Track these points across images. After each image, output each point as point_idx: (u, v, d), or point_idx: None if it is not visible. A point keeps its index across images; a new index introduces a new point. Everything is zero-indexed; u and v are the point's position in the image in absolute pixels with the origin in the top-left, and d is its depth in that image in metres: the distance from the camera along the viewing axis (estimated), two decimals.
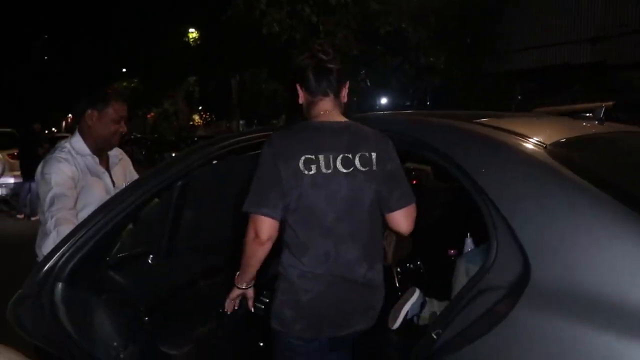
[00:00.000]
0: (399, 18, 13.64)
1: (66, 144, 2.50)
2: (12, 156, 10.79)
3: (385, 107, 17.83)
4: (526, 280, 1.59)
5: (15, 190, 10.65)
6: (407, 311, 2.56)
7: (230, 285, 2.12)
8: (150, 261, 2.23)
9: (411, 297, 2.58)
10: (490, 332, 1.59)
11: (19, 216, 10.01)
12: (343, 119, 1.98)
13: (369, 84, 16.58)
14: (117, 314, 2.07)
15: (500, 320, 1.59)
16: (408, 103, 18.58)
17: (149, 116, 36.65)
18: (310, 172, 1.82)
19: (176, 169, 2.08)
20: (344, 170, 1.84)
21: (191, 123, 34.97)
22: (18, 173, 10.30)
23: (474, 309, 1.71)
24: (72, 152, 2.47)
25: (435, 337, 1.78)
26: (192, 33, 25.89)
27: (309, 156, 1.83)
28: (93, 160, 2.53)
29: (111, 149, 2.62)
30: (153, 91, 29.89)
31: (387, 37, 14.04)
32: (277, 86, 19.15)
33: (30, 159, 9.13)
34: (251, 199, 1.83)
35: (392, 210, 1.92)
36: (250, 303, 2.07)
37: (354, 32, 13.44)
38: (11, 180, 10.71)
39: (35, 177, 2.44)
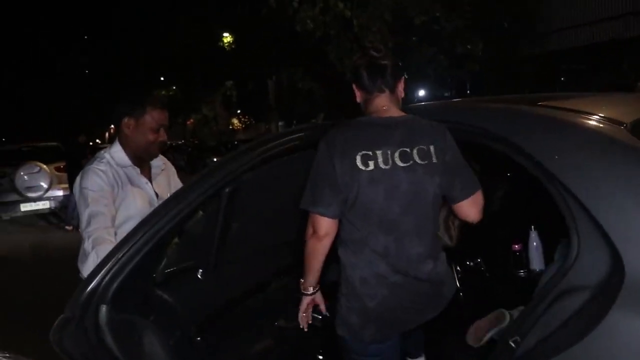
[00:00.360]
0: (433, 7, 13.36)
1: (105, 154, 2.38)
2: (58, 169, 10.95)
3: (423, 99, 17.53)
4: (619, 277, 1.41)
5: (63, 202, 10.79)
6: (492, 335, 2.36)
7: (286, 295, 2.12)
8: (199, 276, 2.10)
9: (500, 324, 2.35)
10: (584, 339, 1.42)
11: (67, 228, 10.13)
12: (400, 113, 1.96)
13: (406, 76, 16.28)
14: (167, 335, 1.94)
15: (593, 325, 1.42)
16: (447, 94, 18.21)
17: (188, 122, 37.09)
18: (368, 168, 1.80)
19: (222, 174, 1.93)
20: (403, 165, 1.82)
21: (230, 127, 35.19)
22: (66, 186, 10.46)
23: (556, 314, 1.56)
24: (112, 162, 2.35)
25: (513, 345, 1.63)
26: (227, 37, 26.02)
27: (366, 152, 1.81)
28: (134, 171, 2.40)
29: (152, 159, 2.48)
30: (191, 97, 30.20)
31: (422, 28, 13.77)
32: (313, 84, 19.05)
33: (77, 170, 9.21)
34: (307, 197, 1.85)
35: (458, 201, 1.92)
36: (322, 307, 2.07)
37: (388, 24, 13.22)
38: (60, 193, 10.86)
39: (74, 189, 2.32)
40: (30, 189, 10.63)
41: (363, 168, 1.80)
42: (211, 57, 24.25)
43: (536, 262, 3.12)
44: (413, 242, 1.84)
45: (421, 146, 1.86)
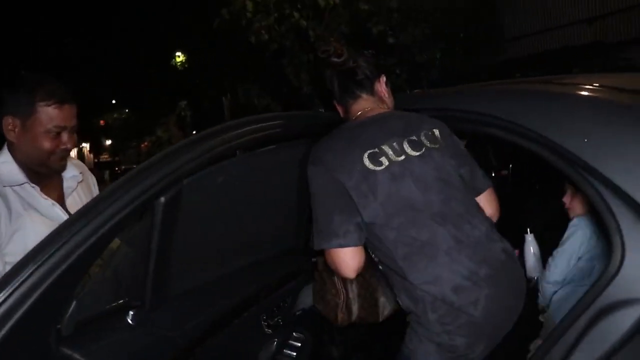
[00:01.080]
0: (389, 17, 13.21)
1: None
2: None
3: None
4: None
5: None
6: None
7: (255, 330, 1.94)
8: (130, 320, 1.53)
9: None
10: None
11: None
12: (386, 110, 1.80)
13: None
14: None
15: None
16: None
17: (142, 146, 36.23)
18: (382, 167, 1.57)
19: (154, 179, 1.38)
20: (417, 154, 1.62)
21: None
22: None
23: (601, 336, 1.29)
24: None
25: None
26: (179, 57, 25.52)
27: (372, 150, 1.59)
28: (33, 191, 1.76)
29: (55, 172, 1.83)
30: (145, 120, 29.58)
31: (380, 38, 13.58)
32: (269, 101, 18.65)
33: None
34: (318, 234, 1.60)
35: (481, 192, 1.73)
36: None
37: (345, 35, 12.97)
38: None
39: None
40: None
41: (377, 168, 1.56)
42: (164, 77, 23.74)
43: (533, 269, 2.89)
44: (472, 223, 1.60)
45: (426, 131, 1.67)
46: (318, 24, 12.72)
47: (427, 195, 1.58)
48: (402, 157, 1.59)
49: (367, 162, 1.56)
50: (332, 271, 2.05)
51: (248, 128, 1.59)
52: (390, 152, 1.59)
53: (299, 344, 2.37)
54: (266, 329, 2.18)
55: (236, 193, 1.75)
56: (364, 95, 1.78)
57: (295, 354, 2.36)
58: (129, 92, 27.20)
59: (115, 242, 1.47)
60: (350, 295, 1.97)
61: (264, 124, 1.65)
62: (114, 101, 32.86)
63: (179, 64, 25.72)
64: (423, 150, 1.63)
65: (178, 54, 25.50)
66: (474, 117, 1.77)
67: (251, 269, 2.01)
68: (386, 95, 1.84)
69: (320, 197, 1.60)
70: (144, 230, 1.49)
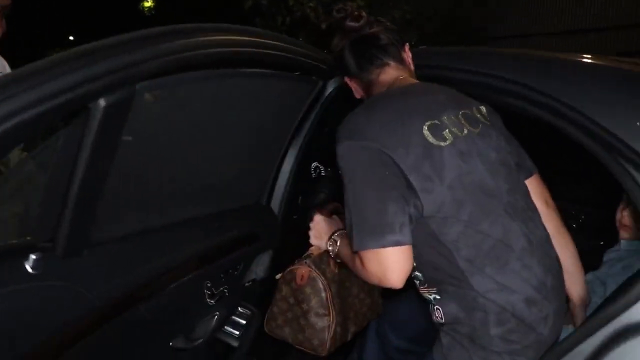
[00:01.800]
0: None
1: None
2: None
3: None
4: None
5: None
6: None
7: (191, 296, 1.66)
8: (30, 267, 1.10)
9: None
10: None
11: None
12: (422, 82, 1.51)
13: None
14: None
15: None
16: None
17: None
18: (448, 142, 1.26)
19: (98, 70, 0.98)
20: (475, 130, 1.34)
21: None
22: None
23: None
24: None
25: None
26: (147, 2, 24.63)
27: (433, 121, 1.27)
28: None
29: None
30: None
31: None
32: None
33: None
34: (363, 229, 1.20)
35: (532, 174, 1.47)
36: None
37: (324, 5, 12.63)
38: None
39: None
40: None
41: (442, 143, 1.24)
42: (128, 21, 22.88)
43: None
44: (534, 220, 1.34)
45: (475, 106, 1.41)
46: None
47: (497, 180, 1.29)
48: (465, 132, 1.30)
49: (428, 135, 1.24)
50: (317, 288, 1.67)
51: (247, 38, 1.20)
52: (451, 125, 1.29)
53: (244, 322, 2.01)
54: (208, 299, 1.80)
55: (201, 121, 1.35)
56: (392, 63, 1.47)
57: (238, 332, 1.99)
58: (88, 30, 26.07)
59: (17, 153, 1.04)
60: (337, 316, 1.67)
61: (267, 42, 1.34)
62: (71, 37, 31.51)
63: (146, 9, 24.82)
64: (480, 127, 1.35)
65: None
66: (500, 84, 1.45)
67: (201, 223, 1.63)
68: (412, 66, 1.54)
69: (366, 181, 1.22)
70: (69, 143, 1.07)
